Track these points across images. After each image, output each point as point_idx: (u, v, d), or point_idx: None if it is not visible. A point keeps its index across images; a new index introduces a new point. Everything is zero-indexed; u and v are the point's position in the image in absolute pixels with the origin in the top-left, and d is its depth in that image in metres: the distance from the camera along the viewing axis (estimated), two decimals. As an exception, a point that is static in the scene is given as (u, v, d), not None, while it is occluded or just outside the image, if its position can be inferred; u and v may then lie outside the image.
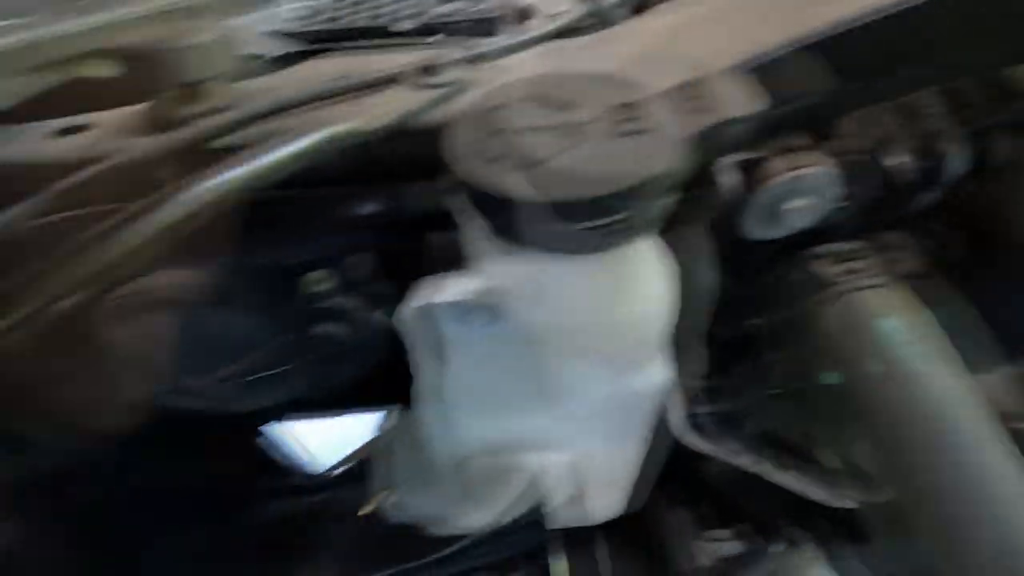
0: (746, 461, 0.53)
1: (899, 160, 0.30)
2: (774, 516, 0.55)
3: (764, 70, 0.28)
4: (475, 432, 0.37)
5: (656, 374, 0.33)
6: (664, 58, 0.31)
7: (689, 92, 0.21)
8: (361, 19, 0.43)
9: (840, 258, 0.32)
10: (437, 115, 0.29)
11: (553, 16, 0.44)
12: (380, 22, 0.42)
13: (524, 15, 0.45)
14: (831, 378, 0.30)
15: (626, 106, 0.20)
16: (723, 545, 0.56)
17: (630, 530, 0.56)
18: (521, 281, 0.22)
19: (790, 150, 0.30)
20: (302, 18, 0.43)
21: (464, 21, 0.42)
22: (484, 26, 0.42)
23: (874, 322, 0.30)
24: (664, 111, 0.20)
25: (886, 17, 0.26)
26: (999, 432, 0.26)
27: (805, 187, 0.29)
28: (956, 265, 0.37)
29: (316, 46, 0.40)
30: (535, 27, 0.42)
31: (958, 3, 0.26)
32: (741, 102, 0.20)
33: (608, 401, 0.34)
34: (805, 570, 0.48)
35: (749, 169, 0.29)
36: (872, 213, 0.33)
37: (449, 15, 0.43)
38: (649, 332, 0.30)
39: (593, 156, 0.19)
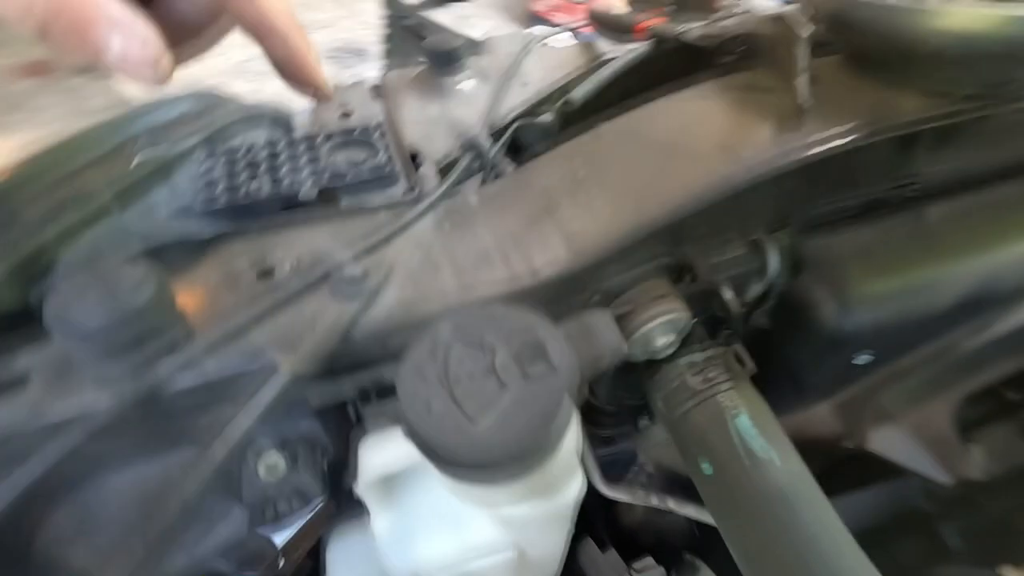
0: (655, 500, 0.62)
1: (732, 292, 0.40)
2: (680, 547, 0.66)
3: (627, 249, 0.36)
4: (431, 553, 0.42)
5: (575, 486, 0.41)
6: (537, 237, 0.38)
7: (578, 328, 0.27)
8: (262, 186, 0.45)
9: (699, 368, 0.41)
10: (363, 325, 0.33)
11: (440, 164, 0.49)
12: (283, 187, 0.45)
13: (414, 160, 0.50)
14: (707, 468, 0.39)
15: (532, 345, 0.27)
16: (650, 573, 0.65)
17: (569, 581, 0.63)
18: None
19: (653, 298, 0.38)
20: (202, 190, 0.45)
21: (362, 181, 0.46)
22: (385, 181, 0.47)
23: (729, 421, 0.39)
24: (564, 351, 0.26)
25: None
26: (827, 505, 0.36)
27: (666, 328, 0.38)
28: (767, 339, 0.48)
29: (222, 227, 0.42)
30: (428, 179, 0.48)
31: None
32: (616, 340, 0.27)
33: (541, 516, 0.41)
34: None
35: (622, 321, 0.37)
36: (717, 325, 0.43)
37: (345, 174, 0.46)
38: (564, 464, 0.37)
39: (512, 410, 0.25)
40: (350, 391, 0.36)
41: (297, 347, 0.30)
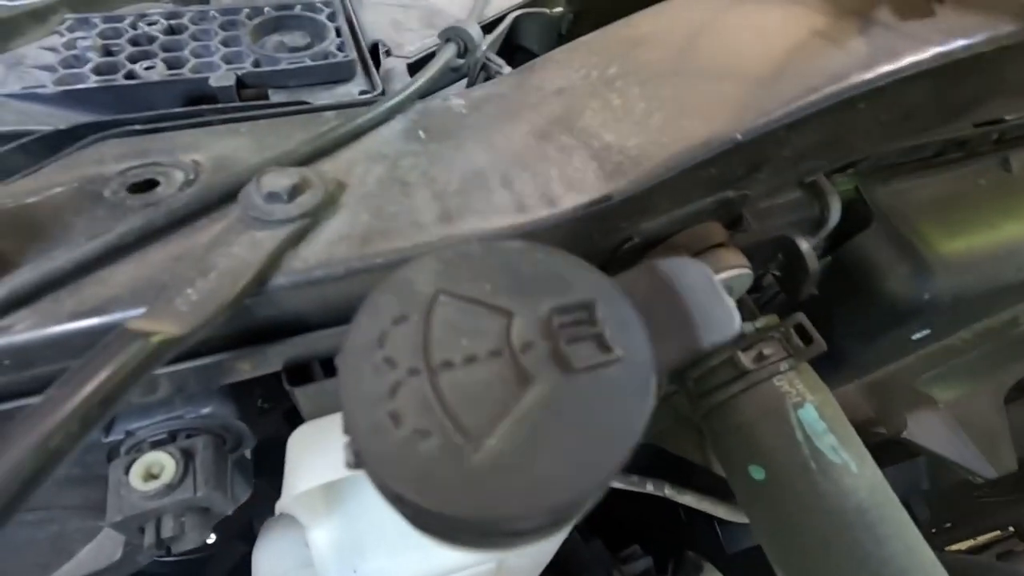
0: (650, 487, 0.54)
1: (806, 240, 0.30)
2: (671, 535, 0.58)
3: (690, 169, 0.25)
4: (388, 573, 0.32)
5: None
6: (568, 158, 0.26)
7: (653, 287, 0.16)
8: (155, 66, 0.32)
9: (750, 342, 0.31)
10: (292, 266, 0.21)
11: (412, 58, 0.37)
12: (186, 72, 0.32)
13: (376, 53, 0.37)
14: (756, 472, 0.30)
15: (574, 311, 0.16)
16: (636, 564, 0.58)
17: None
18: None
19: (708, 247, 0.27)
20: (61, 66, 0.31)
21: (303, 71, 0.33)
22: (335, 74, 0.34)
23: (791, 412, 0.29)
24: (634, 324, 0.15)
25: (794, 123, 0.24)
26: (913, 527, 0.27)
27: (726, 288, 0.27)
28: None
29: (87, 118, 0.28)
30: (395, 77, 0.35)
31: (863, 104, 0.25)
32: (727, 313, 0.16)
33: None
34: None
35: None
36: (775, 287, 0.33)
37: (279, 60, 0.33)
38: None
39: (543, 423, 0.14)
40: (275, 364, 0.24)
41: (177, 296, 0.18)
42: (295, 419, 0.28)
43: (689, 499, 0.54)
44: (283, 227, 0.21)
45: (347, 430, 0.14)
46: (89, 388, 0.15)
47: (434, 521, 0.13)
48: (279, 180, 0.22)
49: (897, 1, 0.27)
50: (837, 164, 0.31)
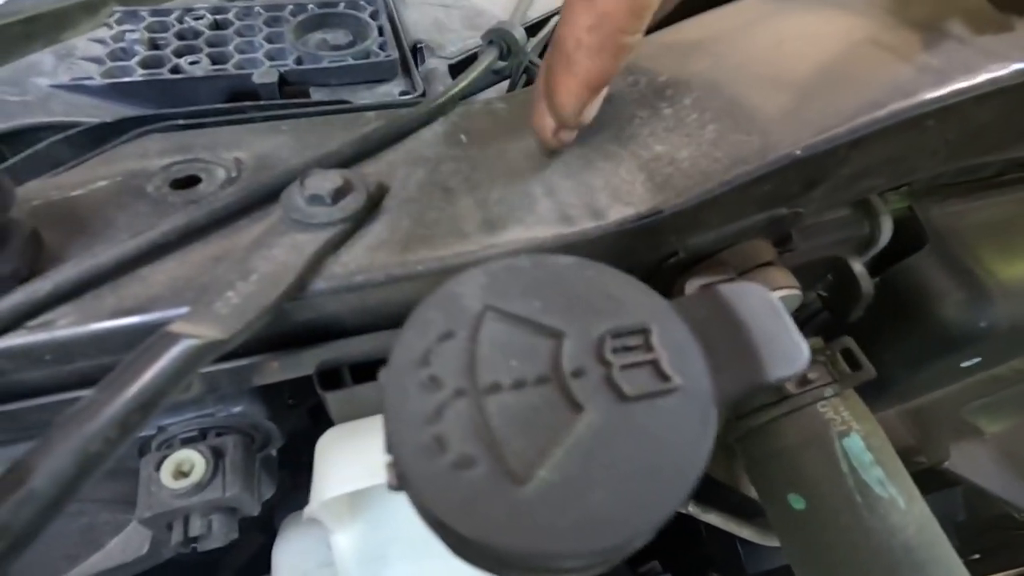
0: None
1: (859, 263, 0.28)
2: (690, 552, 0.57)
3: (744, 185, 0.24)
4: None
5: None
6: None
7: (711, 312, 0.15)
8: (200, 61, 0.32)
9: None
10: (331, 272, 0.21)
11: (454, 59, 0.36)
12: (230, 68, 0.31)
13: (418, 53, 0.37)
14: (796, 501, 0.29)
15: (628, 335, 0.15)
16: (655, 581, 0.56)
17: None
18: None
19: (756, 265, 0.26)
20: (109, 59, 0.31)
21: (344, 70, 0.33)
22: (377, 73, 0.34)
23: (835, 441, 0.28)
24: (692, 352, 0.14)
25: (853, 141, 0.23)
26: (957, 562, 0.26)
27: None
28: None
29: (132, 111, 0.29)
30: (436, 78, 0.35)
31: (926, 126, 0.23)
32: (793, 345, 0.15)
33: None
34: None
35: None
36: (822, 308, 0.31)
37: (321, 58, 0.33)
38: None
39: (593, 456, 0.13)
40: (308, 367, 0.24)
41: (217, 299, 0.18)
42: (320, 414, 0.28)
43: (714, 518, 0.52)
44: (325, 230, 0.21)
45: (390, 450, 0.13)
46: (130, 392, 0.14)
47: (477, 551, 0.13)
48: (323, 183, 0.21)
49: (971, 14, 0.26)
50: (897, 184, 0.30)
